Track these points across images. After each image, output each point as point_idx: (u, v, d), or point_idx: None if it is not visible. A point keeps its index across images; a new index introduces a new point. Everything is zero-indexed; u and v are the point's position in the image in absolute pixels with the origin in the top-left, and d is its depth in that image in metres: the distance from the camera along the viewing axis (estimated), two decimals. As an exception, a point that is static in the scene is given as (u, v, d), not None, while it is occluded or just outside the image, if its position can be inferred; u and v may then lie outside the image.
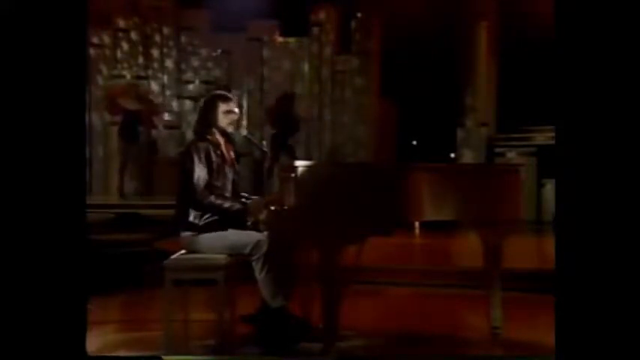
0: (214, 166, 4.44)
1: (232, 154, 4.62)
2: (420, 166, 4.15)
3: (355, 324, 4.72)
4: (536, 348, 4.38)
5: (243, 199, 4.55)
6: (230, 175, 4.55)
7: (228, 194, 4.49)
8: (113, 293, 6.03)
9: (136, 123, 11.23)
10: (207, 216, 4.40)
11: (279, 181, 4.75)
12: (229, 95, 4.68)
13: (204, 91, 13.00)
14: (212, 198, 4.37)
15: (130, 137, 11.13)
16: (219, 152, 4.50)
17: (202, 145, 4.46)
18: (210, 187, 4.40)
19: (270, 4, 12.32)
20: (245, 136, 4.66)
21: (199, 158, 4.40)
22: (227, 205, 4.39)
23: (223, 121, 4.52)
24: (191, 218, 4.41)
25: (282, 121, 9.76)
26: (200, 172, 4.39)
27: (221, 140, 4.55)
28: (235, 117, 4.55)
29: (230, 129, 4.54)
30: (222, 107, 4.54)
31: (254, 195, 4.72)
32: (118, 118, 11.47)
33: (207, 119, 4.53)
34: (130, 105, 11.24)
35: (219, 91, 4.79)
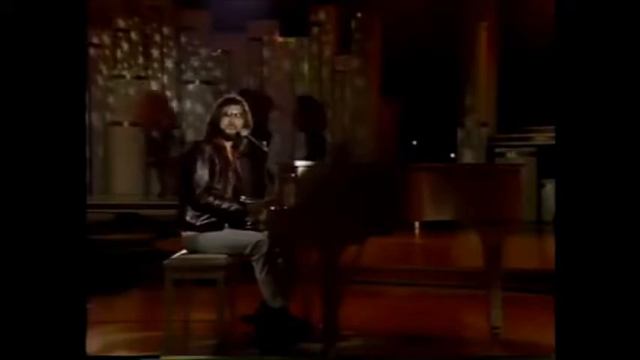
0: (216, 168, 4.44)
1: (237, 159, 4.64)
2: (420, 166, 4.15)
3: (355, 324, 4.72)
4: (536, 348, 4.38)
5: (242, 201, 4.55)
6: (232, 180, 4.55)
7: (227, 197, 4.49)
8: (113, 293, 6.03)
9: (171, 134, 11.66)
10: (205, 216, 4.41)
11: (279, 182, 4.74)
12: (233, 97, 4.69)
13: (204, 91, 13.04)
14: (210, 199, 4.38)
15: (165, 144, 11.51)
16: (222, 156, 4.50)
17: (206, 146, 4.47)
18: (210, 188, 4.40)
19: (270, 4, 12.32)
20: (246, 137, 4.65)
21: (202, 159, 4.41)
22: (225, 205, 4.40)
23: (224, 122, 4.53)
24: (188, 218, 4.42)
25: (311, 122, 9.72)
26: (201, 173, 4.39)
27: (226, 144, 4.56)
28: (233, 120, 4.54)
29: (230, 130, 4.54)
30: (224, 110, 4.55)
31: (254, 198, 4.74)
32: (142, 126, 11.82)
33: (213, 122, 4.56)
34: (163, 116, 11.65)
35: (228, 95, 4.82)
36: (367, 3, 12.89)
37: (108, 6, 12.48)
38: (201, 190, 4.38)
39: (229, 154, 4.57)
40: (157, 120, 11.80)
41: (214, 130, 4.55)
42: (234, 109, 4.56)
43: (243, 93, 5.70)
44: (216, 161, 4.45)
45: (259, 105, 9.77)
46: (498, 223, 4.38)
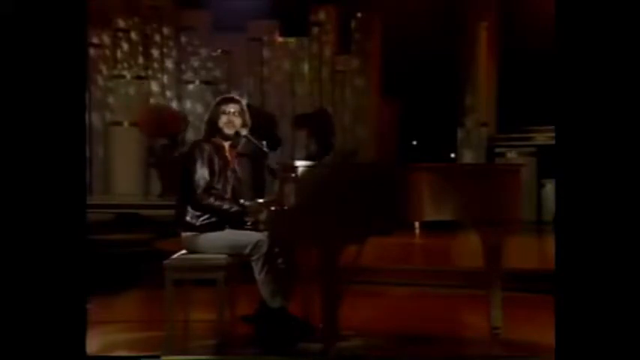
0: (216, 168, 4.44)
1: (235, 158, 4.64)
2: (421, 167, 4.15)
3: (355, 324, 4.72)
4: (536, 348, 4.38)
5: (242, 203, 4.55)
6: (231, 179, 4.55)
7: (227, 197, 4.49)
8: (113, 293, 6.03)
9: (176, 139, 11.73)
10: (205, 217, 4.41)
11: (279, 182, 4.74)
12: (231, 96, 4.70)
13: (204, 91, 13.05)
14: (211, 199, 4.38)
15: (166, 144, 11.60)
16: (222, 155, 4.50)
17: (206, 146, 4.47)
18: (210, 188, 4.40)
19: (270, 4, 12.32)
20: (245, 136, 4.65)
21: (202, 159, 4.41)
22: (226, 206, 4.40)
23: (222, 121, 4.53)
24: (188, 218, 4.42)
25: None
26: (201, 173, 4.39)
27: (225, 144, 4.56)
28: (232, 118, 4.53)
29: (228, 129, 4.53)
30: (222, 108, 4.55)
31: (254, 198, 4.74)
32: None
33: (211, 121, 4.55)
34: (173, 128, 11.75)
35: (227, 94, 4.82)
36: (367, 3, 12.90)
37: (108, 6, 12.49)
38: (202, 190, 4.38)
39: (228, 154, 4.57)
40: (166, 131, 11.89)
41: (213, 129, 4.55)
42: (232, 108, 4.55)
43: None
44: (216, 161, 4.45)
45: (263, 119, 9.76)
46: (498, 223, 4.38)
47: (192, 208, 4.42)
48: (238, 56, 13.15)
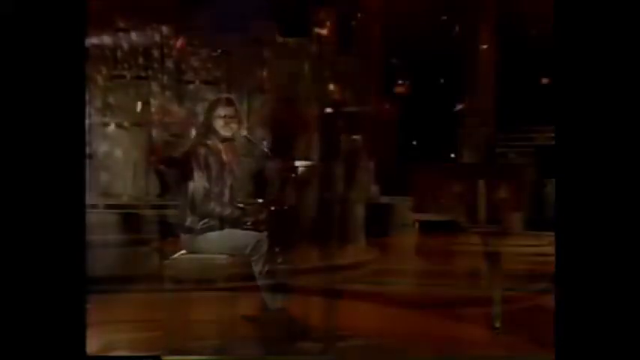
0: (213, 173, 4.44)
1: (234, 159, 4.64)
2: (421, 166, 4.15)
3: (355, 324, 4.72)
4: (536, 348, 4.38)
5: (240, 205, 4.55)
6: (228, 181, 4.55)
7: (225, 199, 4.49)
8: (113, 293, 6.02)
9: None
10: (205, 220, 4.41)
11: (279, 182, 4.75)
12: (225, 98, 4.69)
13: (204, 91, 13.03)
14: (211, 205, 4.38)
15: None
16: (218, 158, 4.49)
17: (202, 151, 4.46)
18: (208, 194, 4.40)
19: (270, 4, 12.32)
20: (245, 137, 4.65)
21: (199, 165, 4.41)
22: (226, 212, 4.41)
23: (218, 124, 4.51)
24: (188, 222, 4.42)
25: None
26: (199, 180, 4.39)
27: (221, 146, 4.55)
28: (228, 121, 4.52)
29: (225, 132, 4.52)
30: (217, 112, 4.53)
31: (255, 199, 4.75)
32: None
33: (206, 123, 4.55)
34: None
35: (221, 95, 4.81)
36: (367, 3, 12.90)
37: (108, 6, 12.47)
38: (201, 197, 4.38)
39: (225, 155, 4.55)
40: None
41: (208, 132, 4.53)
42: (227, 111, 4.53)
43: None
44: (212, 165, 4.44)
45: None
46: (499, 223, 4.38)
47: (192, 214, 4.42)
48: (238, 56, 13.14)
